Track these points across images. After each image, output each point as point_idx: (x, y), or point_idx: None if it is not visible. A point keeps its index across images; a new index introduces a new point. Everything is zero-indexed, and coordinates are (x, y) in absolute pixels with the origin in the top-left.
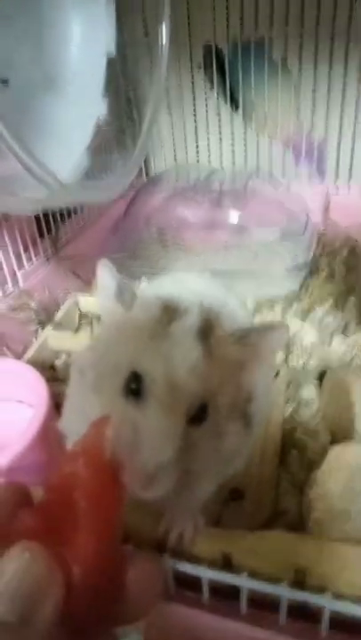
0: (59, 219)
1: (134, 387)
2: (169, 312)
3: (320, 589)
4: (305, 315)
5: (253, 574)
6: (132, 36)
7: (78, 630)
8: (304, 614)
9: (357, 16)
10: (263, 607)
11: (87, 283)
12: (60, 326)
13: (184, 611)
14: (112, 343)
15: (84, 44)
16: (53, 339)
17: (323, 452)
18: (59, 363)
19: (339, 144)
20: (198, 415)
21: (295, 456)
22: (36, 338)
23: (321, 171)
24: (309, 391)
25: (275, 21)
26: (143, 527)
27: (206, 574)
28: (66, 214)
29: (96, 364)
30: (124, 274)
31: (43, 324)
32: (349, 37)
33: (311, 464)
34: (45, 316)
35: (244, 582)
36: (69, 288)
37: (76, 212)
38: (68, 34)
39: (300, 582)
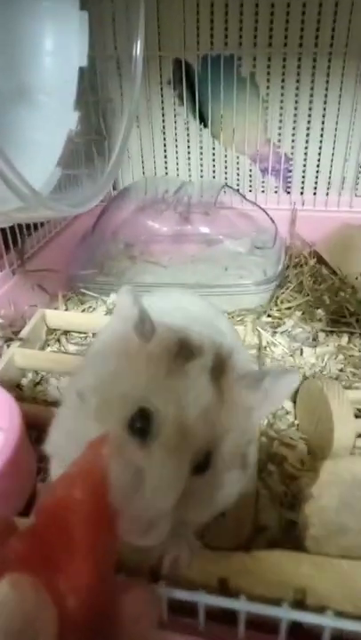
0: (25, 231)
1: (141, 425)
2: (185, 349)
3: (320, 609)
4: (275, 327)
5: (251, 597)
6: (102, 51)
7: None
8: (304, 635)
9: (324, 33)
10: (262, 630)
11: (54, 297)
12: (26, 343)
13: (179, 638)
14: (122, 373)
15: (57, 55)
16: (20, 356)
17: (301, 465)
18: (25, 381)
19: (305, 159)
20: (202, 463)
21: (273, 470)
22: (0, 355)
23: (287, 185)
24: (285, 403)
25: (244, 38)
26: (136, 554)
27: (203, 599)
28: (32, 227)
29: (100, 391)
30: (92, 289)
31: (8, 341)
32: (317, 54)
33: (290, 477)
34: (11, 332)
35: (241, 606)
36: (36, 302)
37: (42, 225)
38: (41, 45)
39: (299, 602)
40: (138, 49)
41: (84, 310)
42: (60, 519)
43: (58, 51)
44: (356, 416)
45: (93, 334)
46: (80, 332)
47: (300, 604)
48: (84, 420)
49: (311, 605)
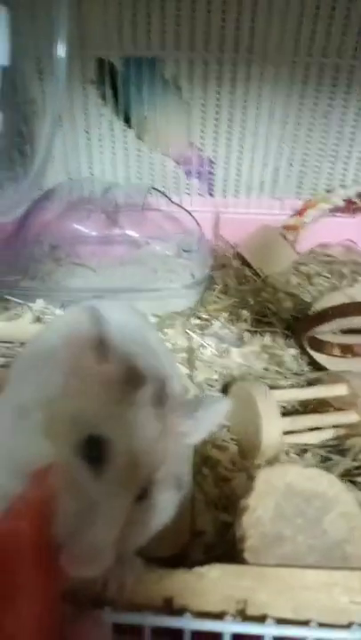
0: None
1: (95, 453)
2: (134, 376)
3: (262, 617)
4: (203, 329)
5: (196, 613)
6: (22, 50)
7: None
8: None
9: (243, 39)
10: None
11: None
12: None
13: None
14: (72, 392)
15: None
16: None
17: (233, 466)
18: None
19: (227, 162)
20: (143, 492)
21: (207, 474)
22: None
23: (210, 188)
24: None
25: (166, 40)
26: (80, 583)
27: (148, 621)
28: None
29: (48, 407)
30: (17, 295)
31: None
32: (237, 59)
33: (223, 480)
34: None
35: (186, 624)
36: None
37: None
38: None
39: (241, 612)
40: (61, 49)
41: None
42: (3, 559)
43: None
44: (283, 414)
45: (21, 343)
46: (4, 342)
47: (242, 615)
48: (28, 436)
49: (253, 616)
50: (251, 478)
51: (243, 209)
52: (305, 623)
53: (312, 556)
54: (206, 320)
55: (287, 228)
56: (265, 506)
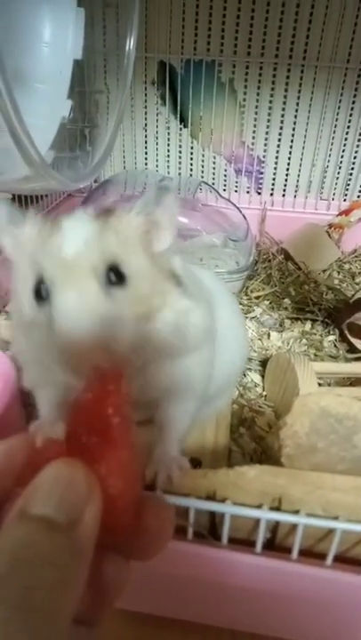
0: None
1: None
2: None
3: (295, 513)
4: (245, 313)
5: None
6: (92, 46)
7: (103, 548)
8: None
9: (299, 46)
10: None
11: None
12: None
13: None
14: (19, 264)
15: (54, 46)
16: (4, 328)
17: (268, 428)
18: (10, 353)
19: (276, 163)
20: (116, 277)
21: (243, 432)
22: None
23: (259, 186)
24: (254, 377)
25: (225, 45)
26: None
27: (193, 504)
28: None
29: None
30: None
31: None
32: (291, 65)
33: (259, 437)
34: None
35: (228, 509)
36: None
37: (26, 208)
38: (39, 34)
39: (276, 509)
40: (131, 44)
41: None
42: (94, 411)
43: (55, 42)
44: (319, 384)
45: None
46: None
47: (277, 510)
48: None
49: (287, 510)
50: None
51: (289, 207)
52: (334, 518)
53: (342, 465)
54: (248, 306)
55: (332, 226)
56: (301, 423)
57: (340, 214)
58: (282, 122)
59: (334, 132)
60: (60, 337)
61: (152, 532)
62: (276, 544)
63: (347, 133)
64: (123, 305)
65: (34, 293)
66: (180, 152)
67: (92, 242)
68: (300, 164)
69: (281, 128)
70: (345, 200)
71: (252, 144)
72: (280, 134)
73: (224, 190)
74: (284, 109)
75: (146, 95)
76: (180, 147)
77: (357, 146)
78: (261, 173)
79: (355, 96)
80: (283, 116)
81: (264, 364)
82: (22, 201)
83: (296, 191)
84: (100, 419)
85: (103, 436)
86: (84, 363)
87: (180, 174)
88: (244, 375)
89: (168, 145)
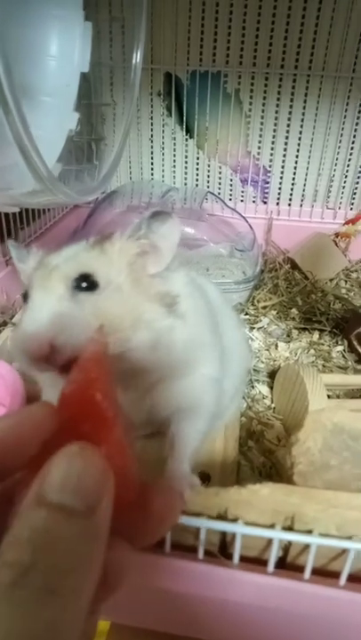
0: (19, 224)
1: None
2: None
3: (308, 532)
4: (252, 323)
5: (247, 524)
6: (99, 59)
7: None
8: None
9: (304, 57)
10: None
11: None
12: None
13: (180, 563)
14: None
15: (61, 60)
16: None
17: (277, 441)
18: (17, 365)
19: (282, 172)
20: (87, 284)
21: (252, 446)
22: None
23: (265, 195)
24: (262, 389)
25: (230, 57)
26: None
27: (205, 524)
28: (25, 221)
29: None
30: None
31: (2, 326)
32: (296, 76)
33: (268, 451)
34: (4, 319)
35: (239, 529)
36: None
37: (34, 220)
38: (46, 49)
39: (288, 529)
40: (138, 58)
41: None
42: (83, 399)
43: (62, 56)
44: (328, 396)
45: None
46: None
47: (290, 529)
48: None
49: (300, 530)
50: None
51: (295, 217)
52: (348, 538)
53: (356, 483)
54: (255, 316)
55: (339, 235)
56: (314, 439)
57: (346, 223)
58: (288, 131)
59: (340, 140)
60: (19, 327)
61: (158, 516)
62: (287, 562)
63: (353, 142)
64: (87, 307)
65: (22, 298)
66: (186, 162)
67: (72, 256)
68: (307, 173)
69: (287, 138)
70: (351, 209)
71: (258, 154)
72: (286, 144)
73: (230, 200)
74: (289, 119)
75: (152, 106)
76: (187, 157)
77: None
78: (267, 183)
79: (360, 105)
80: (288, 125)
81: (272, 375)
82: (30, 212)
83: (302, 200)
84: (91, 405)
85: (97, 420)
86: (36, 350)
87: (186, 184)
88: (253, 387)
89: (174, 155)
